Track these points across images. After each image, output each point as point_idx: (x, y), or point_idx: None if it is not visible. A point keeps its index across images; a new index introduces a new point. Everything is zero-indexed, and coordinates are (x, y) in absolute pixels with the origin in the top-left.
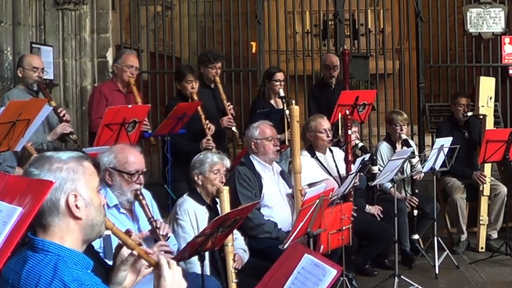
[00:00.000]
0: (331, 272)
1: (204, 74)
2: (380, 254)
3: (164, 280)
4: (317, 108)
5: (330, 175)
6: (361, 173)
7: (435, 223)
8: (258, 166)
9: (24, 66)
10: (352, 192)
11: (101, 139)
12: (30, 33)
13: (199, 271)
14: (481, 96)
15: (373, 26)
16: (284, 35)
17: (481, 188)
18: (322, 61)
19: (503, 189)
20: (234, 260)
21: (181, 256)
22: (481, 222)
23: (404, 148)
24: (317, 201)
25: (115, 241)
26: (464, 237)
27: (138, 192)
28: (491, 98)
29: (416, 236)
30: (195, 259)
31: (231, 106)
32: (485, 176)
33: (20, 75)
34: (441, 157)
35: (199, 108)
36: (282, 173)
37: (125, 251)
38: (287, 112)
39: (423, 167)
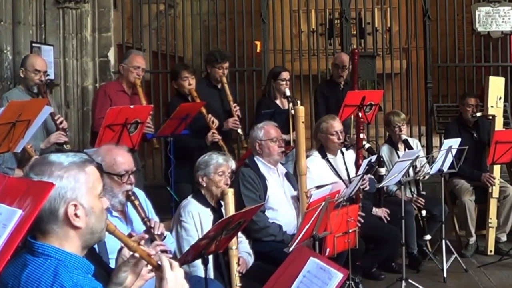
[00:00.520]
0: (337, 276)
1: (211, 74)
2: (387, 258)
3: (166, 282)
4: (325, 107)
5: (340, 178)
6: (371, 176)
7: (443, 225)
8: (262, 167)
9: (27, 67)
10: (360, 196)
11: (102, 140)
12: (30, 32)
13: (202, 275)
14: (490, 96)
15: (380, 25)
16: (289, 34)
17: (490, 190)
18: (333, 59)
19: None
20: (238, 264)
21: (184, 259)
22: (490, 224)
23: (406, 149)
24: (323, 203)
25: (114, 243)
26: (472, 240)
27: (130, 192)
28: (500, 98)
29: (427, 237)
30: (198, 262)
31: (238, 108)
32: (494, 178)
33: (22, 76)
34: (449, 159)
35: (202, 108)
36: (287, 175)
37: (126, 252)
38: (292, 112)
39: (431, 169)
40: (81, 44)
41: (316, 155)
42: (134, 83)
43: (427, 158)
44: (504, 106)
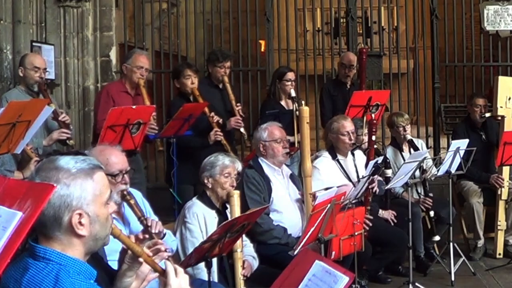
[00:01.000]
0: (343, 279)
1: (212, 73)
2: (394, 261)
3: None
4: (330, 107)
5: (350, 180)
6: (380, 178)
7: (451, 228)
8: (267, 169)
9: (26, 65)
10: (369, 198)
11: (104, 141)
12: (31, 31)
13: (206, 278)
14: (499, 96)
15: (386, 24)
16: (294, 33)
17: (498, 192)
18: (339, 58)
19: None
20: (243, 267)
21: (188, 263)
22: (498, 227)
23: (411, 150)
24: (329, 205)
25: (112, 245)
26: (481, 242)
27: (125, 192)
28: (509, 98)
29: (436, 238)
30: (202, 264)
31: (240, 107)
32: (503, 180)
33: (21, 75)
34: (457, 160)
35: (206, 109)
36: (292, 177)
37: (145, 268)
38: (297, 113)
39: (438, 170)
40: (82, 43)
41: (326, 155)
42: (138, 84)
43: (434, 159)
44: None
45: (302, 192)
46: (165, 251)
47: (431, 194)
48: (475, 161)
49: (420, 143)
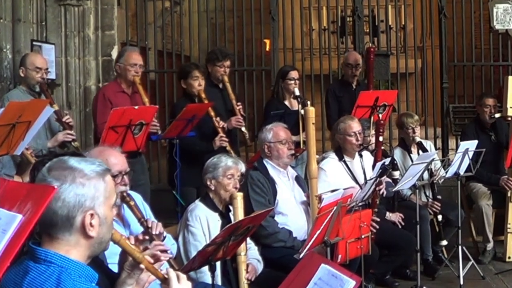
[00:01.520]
0: (350, 283)
1: (212, 73)
2: (402, 264)
3: None
4: (336, 107)
5: (357, 182)
6: (389, 180)
7: (460, 231)
8: (272, 170)
9: (27, 65)
10: (377, 201)
11: (105, 142)
12: (31, 30)
13: (209, 281)
14: (509, 96)
15: (394, 22)
16: (300, 32)
17: (508, 194)
18: (344, 58)
19: None
20: (247, 271)
21: (191, 266)
22: (508, 230)
23: (420, 152)
24: (335, 208)
25: (112, 248)
26: (490, 246)
27: (125, 193)
28: None
29: (444, 242)
30: (206, 268)
31: (240, 106)
32: None
33: (22, 75)
34: (466, 161)
35: (210, 109)
36: (297, 178)
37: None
38: (302, 113)
39: (446, 172)
40: (84, 42)
41: (332, 156)
42: (134, 82)
43: (442, 161)
44: None
45: (308, 194)
46: (166, 252)
47: (439, 197)
48: (484, 163)
49: (428, 144)
